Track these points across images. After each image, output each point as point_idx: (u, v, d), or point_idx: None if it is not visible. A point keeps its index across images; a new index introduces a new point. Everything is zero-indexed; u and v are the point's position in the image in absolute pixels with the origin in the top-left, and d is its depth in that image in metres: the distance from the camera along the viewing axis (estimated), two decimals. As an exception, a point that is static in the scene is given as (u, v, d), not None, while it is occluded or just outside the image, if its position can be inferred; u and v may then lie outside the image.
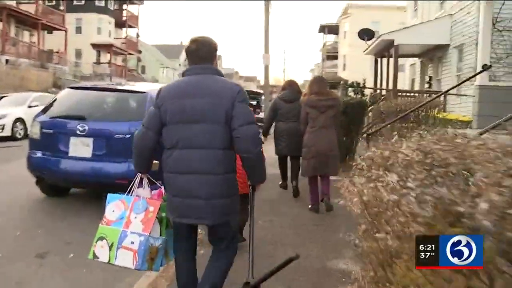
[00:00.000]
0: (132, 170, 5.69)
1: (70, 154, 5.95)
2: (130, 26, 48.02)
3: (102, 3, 42.77)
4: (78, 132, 5.88)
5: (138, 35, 50.28)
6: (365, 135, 9.71)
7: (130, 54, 47.61)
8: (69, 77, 32.73)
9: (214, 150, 2.82)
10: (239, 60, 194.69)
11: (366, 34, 19.73)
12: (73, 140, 5.93)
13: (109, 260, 2.99)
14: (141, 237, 2.94)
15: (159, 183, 3.17)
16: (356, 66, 42.87)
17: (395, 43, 15.63)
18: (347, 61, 44.97)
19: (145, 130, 2.93)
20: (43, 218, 5.97)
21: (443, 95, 10.18)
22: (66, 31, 34.75)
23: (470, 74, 13.88)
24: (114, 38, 45.37)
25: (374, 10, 42.24)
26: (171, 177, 2.90)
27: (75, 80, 31.64)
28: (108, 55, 43.57)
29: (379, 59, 19.54)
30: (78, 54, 41.19)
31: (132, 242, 2.95)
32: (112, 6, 44.67)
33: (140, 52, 50.84)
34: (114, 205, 3.11)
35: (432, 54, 17.69)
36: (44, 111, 6.36)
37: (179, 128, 2.83)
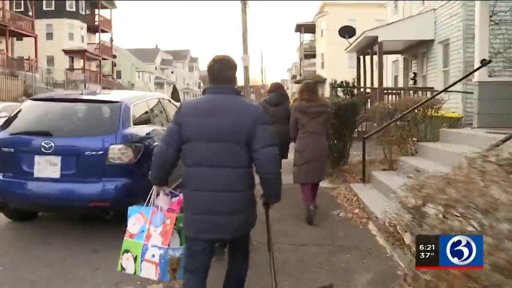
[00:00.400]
0: (107, 189, 5.12)
1: (36, 175, 5.20)
2: (103, 31, 46.80)
3: (73, 8, 41.51)
4: (43, 149, 5.14)
5: (112, 40, 49.06)
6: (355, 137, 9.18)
7: (105, 59, 46.43)
8: (41, 84, 31.56)
9: (235, 169, 2.89)
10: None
11: (346, 31, 19.25)
12: (37, 159, 5.18)
13: (135, 272, 3.12)
14: (161, 250, 3.03)
15: (178, 191, 3.25)
16: (335, 64, 42.66)
17: (379, 40, 15.15)
18: (325, 60, 44.79)
19: (166, 147, 2.99)
20: (6, 250, 5.21)
21: (436, 92, 9.55)
22: (36, 38, 33.52)
23: (457, 70, 13.52)
24: (87, 44, 44.15)
25: (350, 8, 42.06)
26: (192, 194, 2.93)
27: (48, 88, 30.58)
28: (82, 61, 42.33)
29: (361, 57, 19.08)
30: (50, 60, 39.90)
31: (153, 255, 3.05)
32: (83, 11, 43.43)
33: (114, 57, 49.69)
34: (135, 218, 3.21)
35: (416, 50, 17.29)
36: (4, 126, 5.58)
37: (201, 146, 2.88)
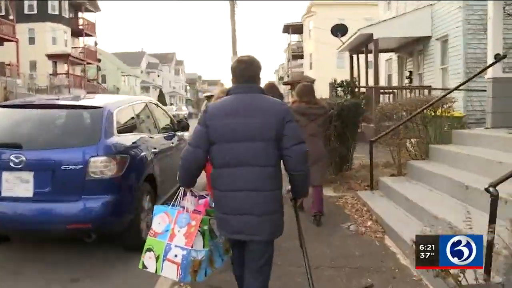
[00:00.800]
0: (87, 209, 4.42)
1: (4, 194, 4.48)
2: (88, 35, 45.78)
3: (56, 11, 40.35)
4: (12, 164, 4.43)
5: (96, 44, 48.08)
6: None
7: (89, 63, 45.42)
8: (23, 90, 30.53)
9: (266, 168, 2.90)
10: (201, 65, 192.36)
11: (339, 30, 18.69)
12: (6, 175, 4.47)
13: (156, 271, 3.15)
14: (184, 251, 3.04)
15: (206, 194, 3.39)
16: (323, 65, 42.24)
17: (375, 37, 14.57)
18: (313, 60, 44.36)
19: (194, 149, 2.98)
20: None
21: (448, 90, 8.96)
22: (17, 42, 32.47)
23: (457, 66, 12.99)
24: (71, 48, 43.13)
25: (338, 7, 41.65)
26: (223, 195, 2.96)
27: (30, 94, 29.55)
28: (66, 65, 41.22)
29: (354, 56, 18.51)
30: (33, 65, 38.70)
31: (176, 255, 3.06)
32: (67, 14, 42.30)
33: (99, 61, 48.67)
34: (160, 217, 3.21)
35: (412, 48, 16.75)
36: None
37: (230, 146, 2.89)
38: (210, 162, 3.02)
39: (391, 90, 15.25)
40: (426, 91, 13.55)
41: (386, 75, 20.52)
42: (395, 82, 19.09)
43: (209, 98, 25.42)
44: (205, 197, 3.33)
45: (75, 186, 4.49)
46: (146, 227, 5.25)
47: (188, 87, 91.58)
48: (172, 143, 6.84)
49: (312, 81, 42.96)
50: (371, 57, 16.44)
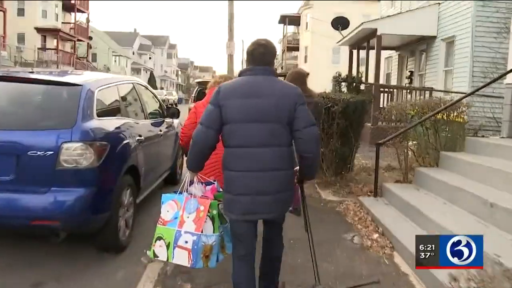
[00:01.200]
0: (56, 204, 3.75)
1: (-43, 181, 3.82)
2: (80, 11, 44.58)
3: (48, -16, 39.20)
4: (-32, 146, 3.76)
5: (88, 20, 46.94)
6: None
7: (80, 40, 44.35)
8: (8, 63, 29.50)
9: (279, 148, 2.95)
10: (194, 50, 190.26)
11: (340, 23, 17.97)
12: (-40, 159, 3.80)
13: (168, 259, 3.18)
14: (194, 237, 3.08)
15: (212, 179, 3.38)
16: (319, 59, 41.68)
17: (379, 33, 13.94)
18: (308, 53, 43.77)
19: (206, 129, 2.95)
20: None
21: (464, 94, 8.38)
22: (4, 12, 31.35)
23: (463, 70, 12.44)
24: (62, 23, 41.87)
25: (336, 1, 40.97)
26: (236, 175, 2.94)
27: (15, 67, 28.51)
28: (55, 41, 40.05)
29: (354, 51, 17.87)
30: (21, 38, 37.44)
31: (186, 242, 3.09)
32: (59, -13, 41.11)
33: (90, 38, 47.57)
34: (168, 205, 3.24)
35: (414, 47, 16.18)
36: None
37: (244, 126, 2.91)
38: (222, 142, 3.02)
39: (390, 89, 14.64)
40: (427, 93, 13.07)
41: (385, 74, 19.95)
42: (394, 81, 18.53)
43: (200, 83, 24.37)
44: (213, 183, 3.33)
45: (43, 175, 3.84)
46: (125, 225, 4.63)
47: (179, 72, 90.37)
48: (160, 130, 6.18)
49: (307, 74, 42.47)
50: (370, 53, 15.88)
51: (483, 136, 7.12)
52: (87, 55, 47.23)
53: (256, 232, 3.17)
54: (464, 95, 6.39)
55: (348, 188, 6.95)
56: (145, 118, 5.77)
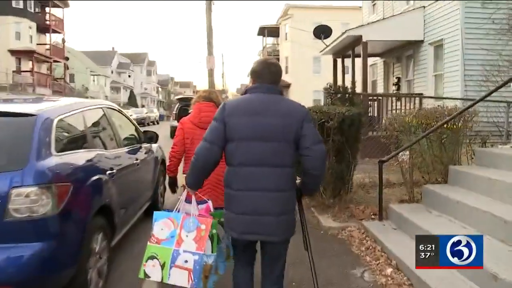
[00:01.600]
0: (7, 265, 3.05)
1: None
2: (55, 31, 43.60)
3: (21, 5, 38.03)
4: None
5: (64, 41, 45.92)
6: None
7: (56, 61, 43.29)
8: (-19, 88, 28.47)
9: (284, 168, 2.88)
10: (174, 66, 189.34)
11: (322, 31, 17.43)
12: None
13: (162, 279, 3.01)
14: (195, 256, 2.97)
15: (206, 198, 3.29)
16: (300, 69, 41.38)
17: (364, 39, 13.43)
18: (289, 64, 43.47)
19: (210, 146, 2.90)
20: None
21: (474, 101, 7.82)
22: (-24, 36, 30.37)
23: (454, 74, 11.97)
24: (37, 44, 40.82)
25: (315, 11, 41.00)
26: (239, 194, 2.89)
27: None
28: (30, 62, 38.98)
29: (338, 60, 17.38)
30: (-6, 62, 36.41)
31: (186, 261, 2.97)
32: (32, 8, 40.10)
33: (67, 59, 46.55)
34: (163, 223, 3.11)
35: (400, 53, 15.73)
36: None
37: (249, 145, 2.86)
38: (225, 160, 2.97)
39: (378, 98, 14.08)
40: (417, 100, 12.58)
41: (371, 81, 19.49)
42: (380, 89, 18.07)
43: (181, 100, 23.80)
44: (206, 202, 3.26)
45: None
46: (97, 275, 3.91)
47: (160, 89, 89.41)
48: (137, 159, 5.48)
49: (288, 85, 42.01)
50: (355, 61, 15.40)
51: (492, 146, 6.56)
52: (64, 76, 46.20)
53: (252, 252, 3.15)
54: (472, 102, 5.80)
55: (348, 211, 6.30)
56: (118, 147, 5.07)
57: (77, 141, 4.12)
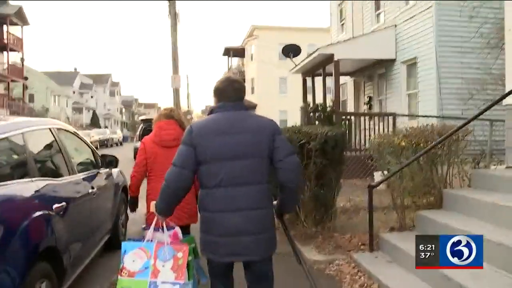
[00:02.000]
0: None
1: None
2: (13, 50, 42.01)
3: (-25, 22, 36.67)
4: None
5: (23, 60, 44.30)
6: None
7: (14, 81, 41.63)
8: None
9: (259, 185, 2.84)
10: (138, 87, 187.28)
11: (291, 50, 17.07)
12: None
13: None
14: (176, 286, 2.86)
15: (173, 224, 3.16)
16: (266, 90, 41.18)
17: (336, 58, 13.02)
18: (255, 85, 43.24)
19: (180, 170, 2.81)
20: None
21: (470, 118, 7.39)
22: None
23: (430, 91, 11.65)
24: (-6, 63, 39.28)
25: (281, 32, 40.96)
26: (215, 216, 2.82)
27: None
28: (-15, 82, 37.40)
29: (308, 79, 16.97)
30: None
31: None
32: (-12, 26, 38.60)
33: (26, 78, 44.85)
34: (134, 254, 2.96)
35: (371, 71, 15.42)
36: None
37: (222, 165, 2.79)
38: (198, 183, 2.92)
39: (348, 117, 13.65)
40: (390, 119, 12.20)
41: (340, 101, 19.15)
42: (351, 108, 17.70)
43: (144, 121, 22.94)
44: (173, 228, 3.14)
45: None
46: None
47: (124, 110, 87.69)
48: (93, 187, 4.71)
49: (254, 106, 41.59)
50: (319, 80, 15.01)
51: (485, 166, 6.09)
52: (23, 96, 44.50)
53: (231, 274, 3.07)
54: (466, 121, 5.31)
55: (333, 240, 5.66)
56: (70, 173, 4.30)
57: (13, 169, 3.35)
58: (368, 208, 5.17)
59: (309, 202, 5.76)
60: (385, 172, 5.84)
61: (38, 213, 3.18)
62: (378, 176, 9.40)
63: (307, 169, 5.69)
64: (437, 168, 5.55)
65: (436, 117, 10.59)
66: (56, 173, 4.03)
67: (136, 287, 2.87)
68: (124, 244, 3.02)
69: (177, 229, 3.16)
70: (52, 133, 4.19)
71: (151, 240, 3.01)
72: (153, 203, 3.07)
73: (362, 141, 12.48)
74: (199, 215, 3.07)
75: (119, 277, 2.94)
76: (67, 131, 4.83)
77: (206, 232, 2.87)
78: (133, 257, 2.93)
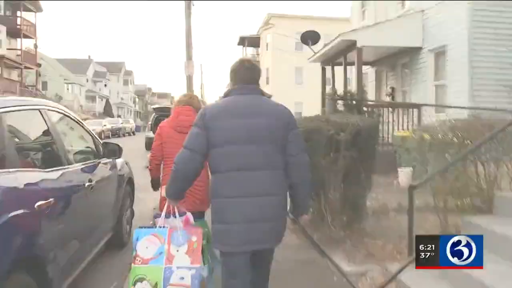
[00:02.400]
0: None
1: None
2: (27, 36, 41.68)
3: (-12, 8, 36.32)
4: None
5: (36, 46, 43.99)
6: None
7: (28, 68, 41.34)
8: None
9: (274, 171, 2.76)
10: (152, 76, 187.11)
11: (310, 37, 16.27)
12: None
13: None
14: (192, 270, 2.83)
15: (185, 210, 3.10)
16: (281, 80, 40.38)
17: (358, 45, 12.22)
18: (270, 75, 42.39)
19: (190, 153, 2.73)
20: None
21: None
22: None
23: (460, 83, 10.87)
24: (7, 49, 38.88)
25: (298, 21, 39.99)
26: (228, 202, 2.70)
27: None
28: (-1, 68, 37.06)
29: (328, 67, 16.20)
30: (-42, 66, 34.37)
31: (182, 278, 2.81)
32: (2, 11, 38.20)
33: (39, 65, 44.59)
34: (147, 240, 2.92)
35: (394, 61, 14.61)
36: None
37: (236, 149, 2.71)
38: (210, 168, 2.82)
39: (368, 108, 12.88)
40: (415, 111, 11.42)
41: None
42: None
43: (157, 110, 22.43)
44: (185, 214, 3.08)
45: None
46: None
47: (137, 99, 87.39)
48: (91, 179, 4.07)
49: (269, 97, 40.92)
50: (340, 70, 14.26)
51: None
52: (36, 83, 44.24)
53: (249, 265, 2.83)
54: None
55: (363, 246, 4.97)
56: (63, 164, 3.65)
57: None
58: (408, 212, 4.44)
59: (336, 202, 5.08)
60: (410, 169, 5.19)
61: (13, 214, 2.54)
62: (405, 172, 8.71)
63: (335, 165, 5.00)
64: (484, 167, 4.82)
65: (474, 108, 9.78)
66: (44, 163, 3.40)
67: (151, 274, 2.82)
68: (136, 231, 2.99)
69: (189, 215, 3.10)
70: (42, 115, 3.53)
71: (164, 226, 2.96)
72: (164, 188, 3.00)
73: (385, 134, 11.77)
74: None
75: (132, 265, 2.91)
76: (63, 114, 4.18)
77: (218, 221, 2.75)
78: (146, 244, 2.90)
